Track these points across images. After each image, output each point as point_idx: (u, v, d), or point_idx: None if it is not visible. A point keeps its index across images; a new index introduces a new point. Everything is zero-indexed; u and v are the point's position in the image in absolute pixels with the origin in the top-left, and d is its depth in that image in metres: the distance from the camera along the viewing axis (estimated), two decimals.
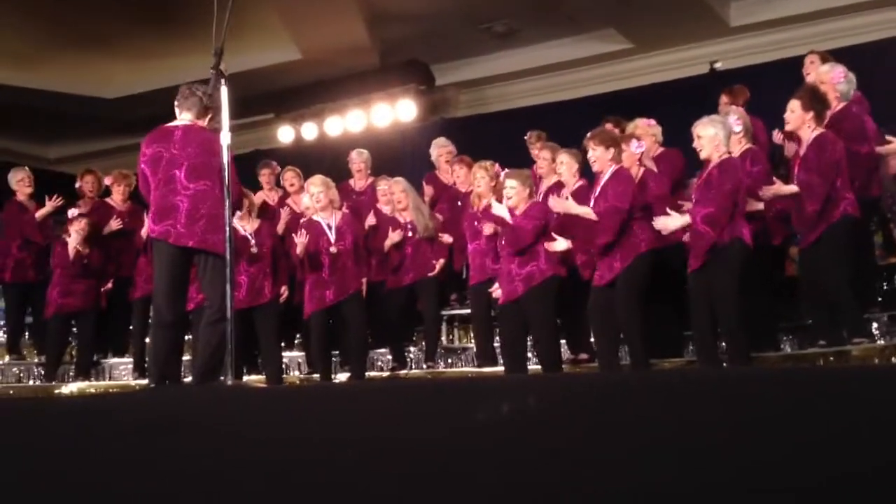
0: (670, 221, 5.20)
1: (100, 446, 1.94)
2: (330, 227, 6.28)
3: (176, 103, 4.94)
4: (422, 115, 9.65)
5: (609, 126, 6.40)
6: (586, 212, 5.41)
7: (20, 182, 7.71)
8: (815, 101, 5.30)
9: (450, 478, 1.36)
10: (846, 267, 5.14)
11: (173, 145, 4.72)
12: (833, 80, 5.62)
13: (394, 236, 6.69)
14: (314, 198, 6.33)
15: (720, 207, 4.99)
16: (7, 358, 7.82)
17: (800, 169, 5.28)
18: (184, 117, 4.87)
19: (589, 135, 5.62)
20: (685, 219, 5.16)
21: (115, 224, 7.37)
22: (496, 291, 5.89)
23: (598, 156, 5.50)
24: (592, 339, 5.95)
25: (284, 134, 10.25)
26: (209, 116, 4.85)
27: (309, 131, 10.09)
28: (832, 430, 1.57)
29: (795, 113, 5.29)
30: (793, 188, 5.26)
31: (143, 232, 5.78)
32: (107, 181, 7.67)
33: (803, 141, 5.31)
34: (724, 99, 6.41)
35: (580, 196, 5.70)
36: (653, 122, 6.23)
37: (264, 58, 9.26)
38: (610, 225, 5.30)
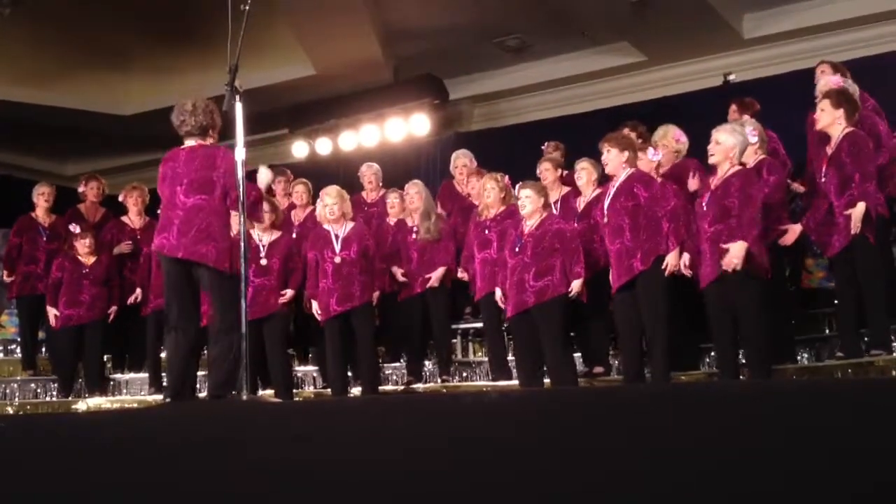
0: None
1: (113, 464, 1.93)
2: (337, 238, 6.30)
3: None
4: (435, 129, 9.66)
5: (627, 130, 6.40)
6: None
7: (40, 195, 7.83)
8: (845, 100, 5.30)
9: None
10: (882, 270, 5.08)
11: (178, 164, 4.90)
12: None
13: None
14: (328, 209, 6.34)
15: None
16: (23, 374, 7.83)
17: (829, 167, 5.24)
18: (188, 143, 4.99)
19: (605, 137, 5.64)
20: None
21: (125, 248, 7.44)
22: (501, 300, 5.90)
23: (612, 158, 5.52)
24: (613, 351, 5.95)
25: (299, 149, 10.28)
26: (211, 131, 4.93)
27: (323, 146, 10.12)
28: (860, 444, 1.55)
29: (826, 111, 5.30)
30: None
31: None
32: (120, 197, 7.70)
33: (832, 139, 5.29)
34: (733, 108, 6.39)
35: (593, 206, 5.75)
36: (683, 138, 6.17)
37: (279, 74, 9.32)
38: (678, 228, 5.32)
